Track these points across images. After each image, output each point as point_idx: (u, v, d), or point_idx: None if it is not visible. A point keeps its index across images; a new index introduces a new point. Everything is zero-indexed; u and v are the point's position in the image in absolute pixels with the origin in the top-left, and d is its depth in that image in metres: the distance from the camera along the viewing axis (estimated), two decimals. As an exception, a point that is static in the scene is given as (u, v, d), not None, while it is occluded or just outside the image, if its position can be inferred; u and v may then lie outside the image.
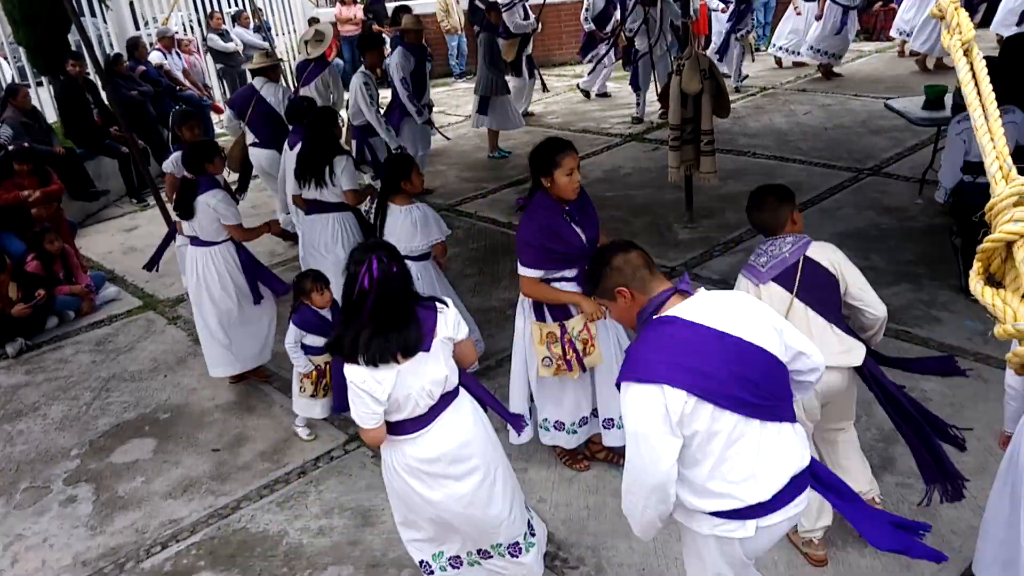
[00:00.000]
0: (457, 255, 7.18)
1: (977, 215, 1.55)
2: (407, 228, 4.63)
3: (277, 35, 14.31)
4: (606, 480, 4.14)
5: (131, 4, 12.57)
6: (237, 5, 14.13)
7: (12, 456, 4.97)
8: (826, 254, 3.31)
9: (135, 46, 10.89)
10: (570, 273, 3.84)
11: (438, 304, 2.92)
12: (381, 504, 4.16)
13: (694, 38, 6.78)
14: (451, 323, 2.91)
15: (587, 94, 12.35)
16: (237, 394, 5.33)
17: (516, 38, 10.26)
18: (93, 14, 11.50)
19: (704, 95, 6.50)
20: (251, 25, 13.37)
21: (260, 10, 14.18)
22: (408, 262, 4.43)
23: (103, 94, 9.60)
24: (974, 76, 1.61)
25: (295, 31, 15.20)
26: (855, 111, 10.02)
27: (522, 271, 3.83)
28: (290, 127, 6.45)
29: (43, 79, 10.40)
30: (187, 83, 11.48)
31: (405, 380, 2.79)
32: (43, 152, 8.11)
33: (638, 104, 10.76)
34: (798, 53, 12.03)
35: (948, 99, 6.96)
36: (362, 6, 15.00)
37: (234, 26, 13.34)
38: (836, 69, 11.84)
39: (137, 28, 12.46)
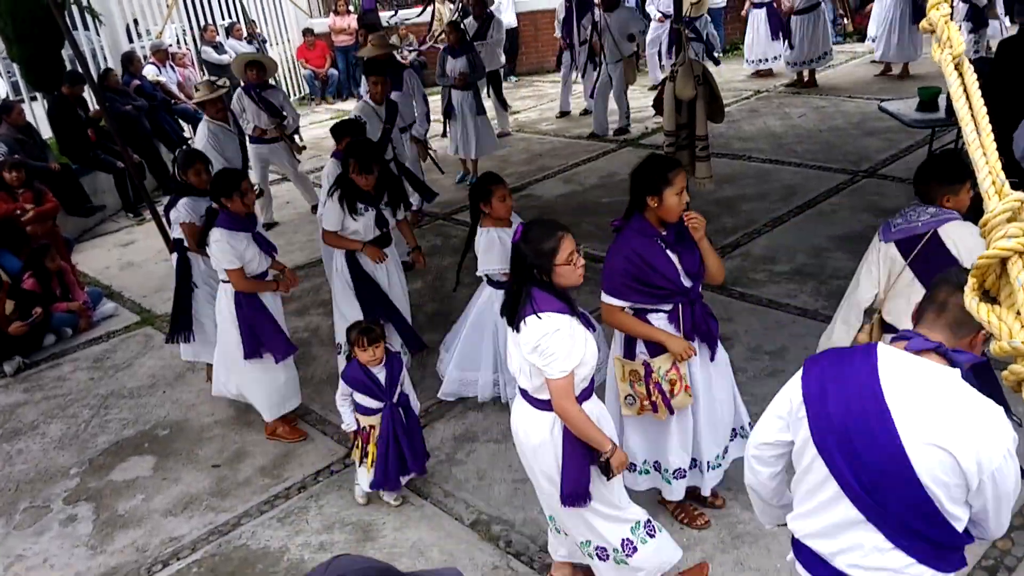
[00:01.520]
0: (455, 264, 7.17)
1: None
2: (480, 249, 4.60)
3: (271, 46, 14.32)
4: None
5: (131, 24, 12.57)
6: (231, 17, 14.14)
7: (11, 475, 4.96)
8: (957, 237, 3.24)
9: (130, 60, 10.91)
10: (665, 307, 3.48)
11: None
12: (382, 519, 4.16)
13: (687, 44, 6.77)
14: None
15: (564, 112, 11.90)
16: (236, 410, 5.32)
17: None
18: (87, 27, 11.50)
19: (698, 100, 6.49)
20: (244, 37, 13.38)
21: (254, 22, 14.19)
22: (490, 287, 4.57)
23: (92, 110, 9.62)
24: (965, 90, 1.61)
25: (289, 41, 15.22)
26: (849, 113, 10.03)
27: (605, 298, 3.49)
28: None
29: (37, 95, 10.39)
30: (182, 96, 11.48)
31: None
32: (38, 168, 8.10)
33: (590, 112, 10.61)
34: (766, 61, 12.18)
35: (942, 100, 6.98)
36: (356, 16, 15.01)
37: (228, 38, 13.34)
38: (816, 76, 11.72)
39: (131, 41, 12.46)
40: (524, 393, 3.07)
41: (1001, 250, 1.41)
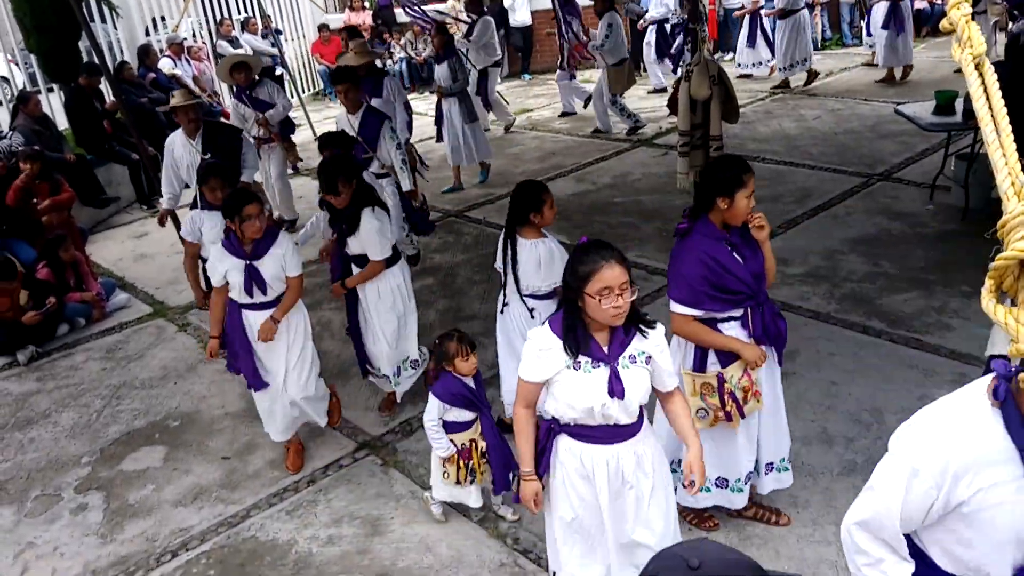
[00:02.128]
0: (467, 261, 7.19)
1: (989, 232, 1.54)
2: (531, 265, 4.15)
3: (286, 41, 14.35)
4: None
5: (157, 20, 12.63)
6: (247, 12, 14.18)
7: (23, 464, 4.99)
8: None
9: (146, 53, 10.97)
10: (737, 313, 3.36)
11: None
12: (390, 513, 4.16)
13: (703, 43, 6.76)
14: None
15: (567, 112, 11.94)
16: (247, 402, 5.32)
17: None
18: (104, 20, 11.56)
19: (713, 100, 6.49)
20: (259, 32, 13.42)
21: (269, 16, 14.23)
22: (532, 301, 4.21)
23: (108, 102, 9.67)
24: (985, 90, 1.60)
25: (304, 37, 15.25)
26: (864, 116, 9.98)
27: (674, 307, 3.33)
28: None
29: (54, 86, 10.46)
30: (197, 90, 11.52)
31: None
32: (55, 159, 8.15)
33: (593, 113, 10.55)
34: (755, 65, 12.48)
35: (959, 104, 6.93)
36: (371, 12, 15.05)
37: (243, 32, 13.39)
38: (795, 80, 11.82)
39: (147, 35, 12.52)
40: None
41: (1020, 251, 1.40)
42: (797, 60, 11.50)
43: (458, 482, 3.87)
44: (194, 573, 3.94)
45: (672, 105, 7.75)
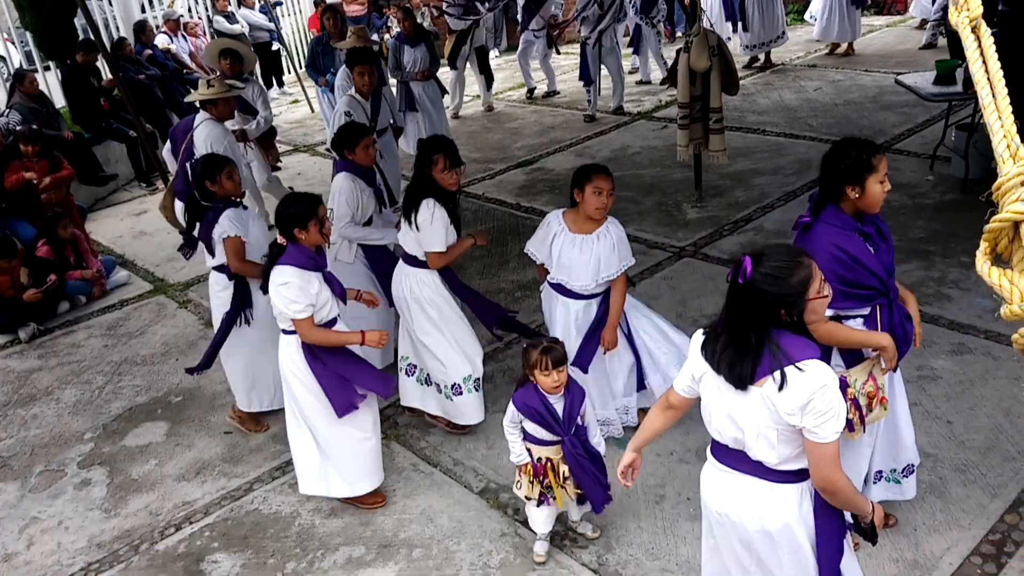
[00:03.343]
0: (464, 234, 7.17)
1: (984, 195, 1.53)
2: (605, 252, 3.93)
3: (283, 16, 14.24)
4: (614, 460, 4.14)
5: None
6: (242, -14, 14.03)
7: (27, 440, 5.02)
8: None
9: (142, 29, 10.89)
10: (864, 311, 3.08)
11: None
12: (392, 485, 4.19)
13: (701, 13, 6.70)
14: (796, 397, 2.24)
15: (531, 92, 11.61)
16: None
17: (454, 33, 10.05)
18: (99, -2, 11.48)
19: (713, 72, 6.44)
20: (256, 6, 13.31)
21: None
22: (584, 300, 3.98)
23: (105, 79, 9.60)
24: (982, 54, 1.59)
25: (301, 12, 15.12)
26: (865, 87, 9.92)
27: None
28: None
29: (51, 64, 10.40)
30: (193, 66, 11.46)
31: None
32: (52, 137, 8.13)
33: (589, 101, 10.04)
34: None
35: (959, 74, 6.89)
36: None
37: (239, 7, 13.27)
38: (771, 57, 11.58)
39: (143, 11, 12.43)
40: (758, 466, 2.41)
41: (1015, 213, 1.40)
42: (768, 39, 11.14)
43: (527, 498, 3.49)
44: (198, 545, 3.98)
45: (671, 77, 7.71)
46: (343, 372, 3.74)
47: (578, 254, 3.90)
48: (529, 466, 3.44)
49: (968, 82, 6.71)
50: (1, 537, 4.21)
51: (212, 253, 4.46)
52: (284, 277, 3.55)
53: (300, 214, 3.59)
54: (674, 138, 7.23)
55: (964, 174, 6.67)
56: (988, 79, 1.56)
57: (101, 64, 9.71)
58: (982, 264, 1.46)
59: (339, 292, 3.80)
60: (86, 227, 7.84)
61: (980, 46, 1.62)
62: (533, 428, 3.39)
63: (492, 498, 4.05)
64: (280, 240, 3.66)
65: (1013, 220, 1.41)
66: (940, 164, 7.12)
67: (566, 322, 4.07)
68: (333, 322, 3.79)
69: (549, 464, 3.40)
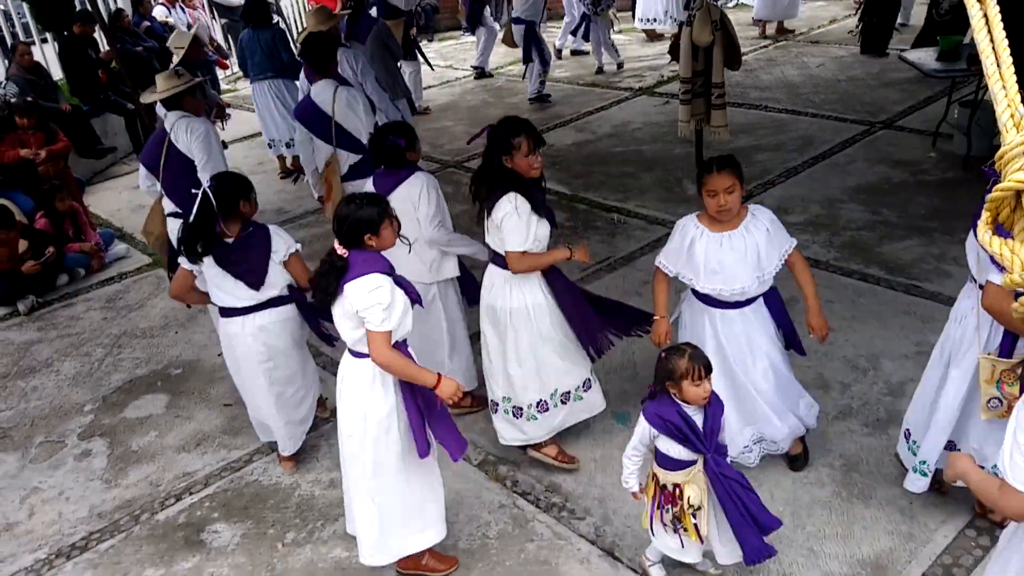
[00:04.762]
0: (464, 212, 7.15)
1: (987, 163, 1.53)
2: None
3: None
4: (613, 433, 4.17)
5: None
6: (240, -43, 13.88)
7: (27, 412, 5.04)
8: None
9: (139, 1, 10.79)
10: None
11: None
12: (391, 457, 4.20)
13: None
14: None
15: (482, 72, 11.44)
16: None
17: (402, 17, 8.85)
18: (96, -32, 11.34)
19: (715, 47, 6.39)
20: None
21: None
22: None
23: (103, 51, 9.53)
24: (987, 22, 1.57)
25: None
26: (868, 63, 9.85)
27: (994, 278, 2.79)
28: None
29: (48, 35, 10.32)
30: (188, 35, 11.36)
31: None
32: (49, 109, 8.08)
33: (525, 76, 9.91)
34: (654, 21, 11.99)
35: (963, 50, 6.84)
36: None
37: (238, -21, 13.15)
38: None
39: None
40: None
41: (1018, 182, 1.40)
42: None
43: (665, 524, 3.09)
44: (198, 516, 4.01)
45: (673, 52, 7.65)
46: (425, 408, 3.21)
47: (729, 252, 3.40)
48: (654, 490, 3.08)
49: (972, 58, 6.66)
50: (2, 507, 4.24)
51: (259, 283, 3.83)
52: (375, 281, 3.02)
53: (372, 218, 3.08)
54: (675, 114, 7.18)
55: (966, 151, 6.64)
56: (993, 47, 1.54)
57: (99, 36, 9.64)
58: (984, 233, 1.46)
59: (415, 297, 3.22)
60: (84, 200, 7.82)
61: (985, 13, 1.60)
62: (667, 447, 2.97)
63: (491, 470, 4.07)
64: (340, 251, 3.08)
65: (1015, 189, 1.40)
66: (942, 141, 7.10)
67: (716, 339, 3.56)
68: (404, 343, 3.23)
69: (678, 491, 3.00)
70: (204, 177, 4.51)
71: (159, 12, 11.10)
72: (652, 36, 12.40)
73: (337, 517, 3.87)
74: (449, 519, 3.75)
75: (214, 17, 13.24)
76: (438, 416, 3.22)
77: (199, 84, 5.18)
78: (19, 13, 11.32)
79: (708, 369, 2.90)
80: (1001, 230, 1.50)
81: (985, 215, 1.48)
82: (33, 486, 4.37)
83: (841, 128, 7.90)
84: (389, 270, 3.13)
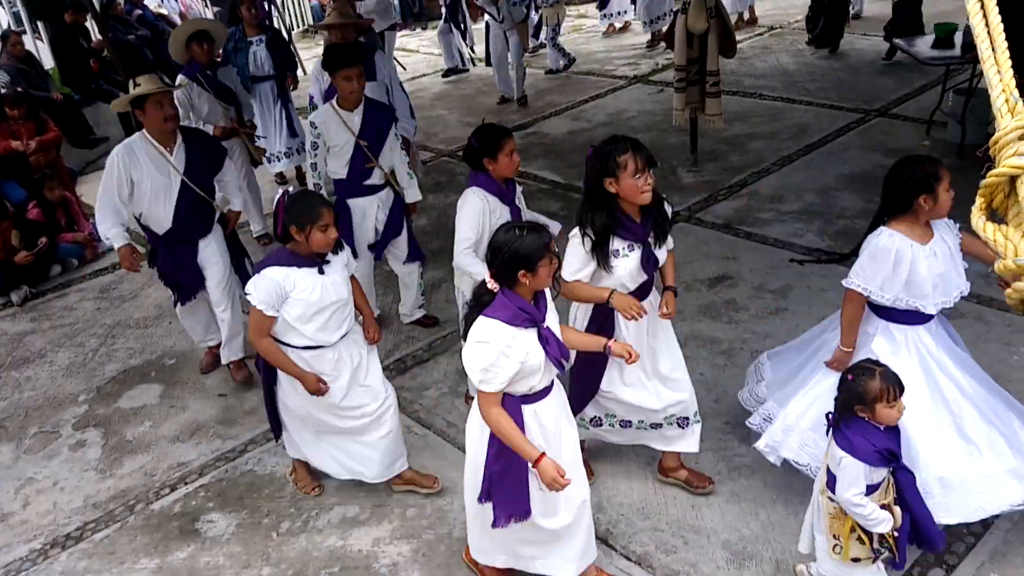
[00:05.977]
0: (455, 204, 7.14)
1: (981, 150, 1.52)
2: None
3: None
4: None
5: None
6: (233, -55, 13.79)
7: (20, 402, 5.03)
8: None
9: (131, -11, 10.73)
10: None
11: None
12: (386, 447, 4.20)
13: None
14: None
15: (451, 71, 11.03)
16: (242, 339, 5.35)
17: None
18: (87, -44, 11.26)
19: (710, 35, 6.39)
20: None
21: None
22: None
23: (95, 39, 9.47)
24: (983, 6, 1.57)
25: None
26: (863, 51, 9.84)
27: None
28: None
29: (39, 25, 10.24)
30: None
31: None
32: (41, 98, 8.03)
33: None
34: (619, 14, 11.96)
35: (958, 38, 6.84)
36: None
37: (230, -32, 13.07)
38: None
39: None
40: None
41: (1012, 168, 1.39)
42: (657, 16, 10.88)
43: (856, 559, 2.85)
44: (193, 505, 4.00)
45: (669, 39, 7.65)
46: (511, 467, 2.91)
47: (942, 263, 3.15)
48: (851, 524, 2.82)
49: (967, 46, 6.66)
50: (-4, 497, 4.24)
51: None
52: (484, 334, 2.71)
53: (534, 252, 2.70)
54: (670, 102, 7.18)
55: (961, 139, 6.64)
56: (988, 32, 1.54)
57: (91, 24, 9.58)
58: (977, 219, 1.46)
59: (557, 354, 2.82)
60: (77, 189, 7.77)
61: (981, 0, 1.60)
62: (872, 476, 2.76)
63: (486, 459, 4.06)
64: (492, 284, 2.76)
65: (1009, 174, 1.40)
66: (937, 129, 7.10)
67: (910, 359, 3.26)
68: (535, 397, 2.89)
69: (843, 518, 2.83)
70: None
71: (151, 1, 11.04)
72: (612, 30, 12.23)
73: (332, 506, 3.87)
74: (444, 507, 3.78)
75: (207, 5, 13.16)
76: (510, 482, 2.93)
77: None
78: (10, 2, 11.23)
79: (902, 388, 2.71)
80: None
81: (979, 200, 1.48)
82: (28, 476, 4.37)
83: (836, 116, 7.89)
84: (528, 320, 2.74)
